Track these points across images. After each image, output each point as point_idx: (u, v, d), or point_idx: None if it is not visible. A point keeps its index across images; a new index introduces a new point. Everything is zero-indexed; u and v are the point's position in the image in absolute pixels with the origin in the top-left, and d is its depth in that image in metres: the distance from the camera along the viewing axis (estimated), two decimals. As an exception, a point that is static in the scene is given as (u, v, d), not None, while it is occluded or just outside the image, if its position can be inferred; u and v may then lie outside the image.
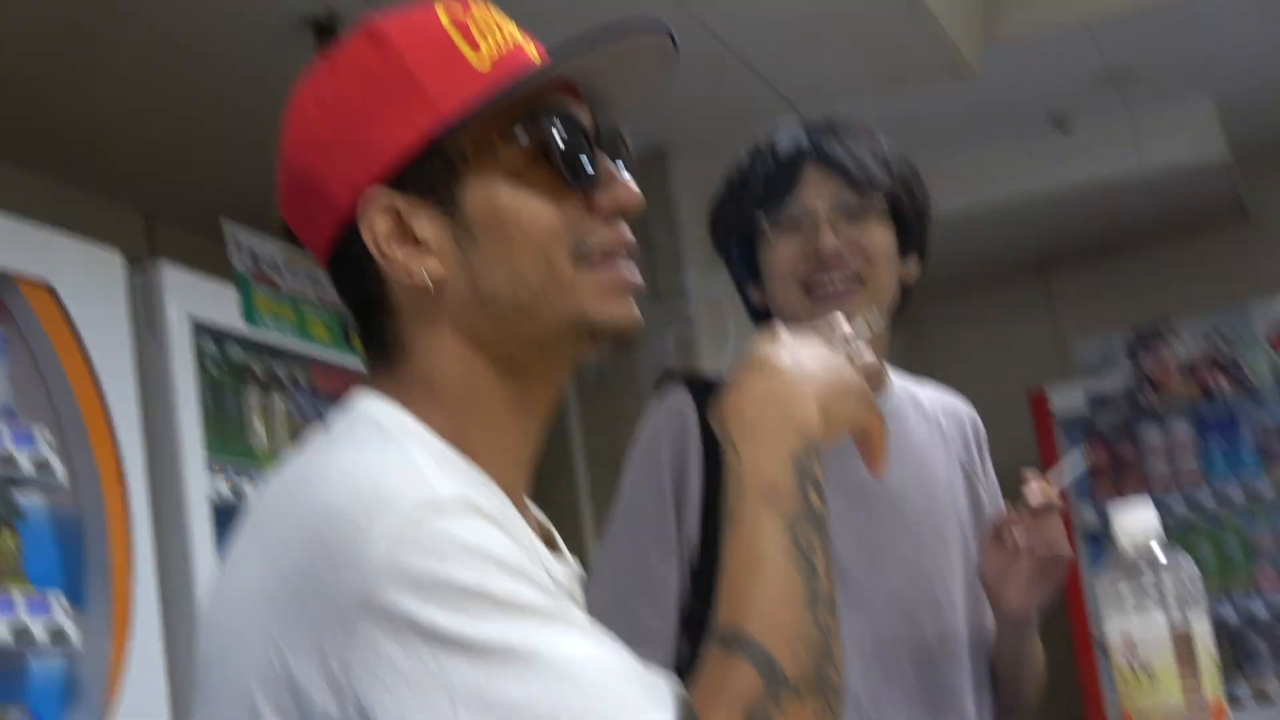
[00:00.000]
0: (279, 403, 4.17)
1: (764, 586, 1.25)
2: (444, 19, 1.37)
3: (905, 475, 2.24)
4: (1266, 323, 6.86)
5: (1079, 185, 6.52)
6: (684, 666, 1.42)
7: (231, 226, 4.03)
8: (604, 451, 5.04)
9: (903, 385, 2.36)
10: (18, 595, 3.25)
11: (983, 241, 7.07)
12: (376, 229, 1.34)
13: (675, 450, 2.19)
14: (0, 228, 3.41)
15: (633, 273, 1.39)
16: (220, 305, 3.97)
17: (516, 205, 1.34)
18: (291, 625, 1.20)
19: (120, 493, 3.50)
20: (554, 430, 4.68)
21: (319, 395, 4.28)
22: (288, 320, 4.14)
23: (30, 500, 3.45)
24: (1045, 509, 2.13)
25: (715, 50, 4.74)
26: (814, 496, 1.31)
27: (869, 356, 1.45)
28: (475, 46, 1.36)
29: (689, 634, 2.14)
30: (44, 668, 3.39)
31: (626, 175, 1.40)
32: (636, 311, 1.39)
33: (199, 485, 3.70)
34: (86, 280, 3.57)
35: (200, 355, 3.88)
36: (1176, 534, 6.65)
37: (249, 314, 4.02)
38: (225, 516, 3.65)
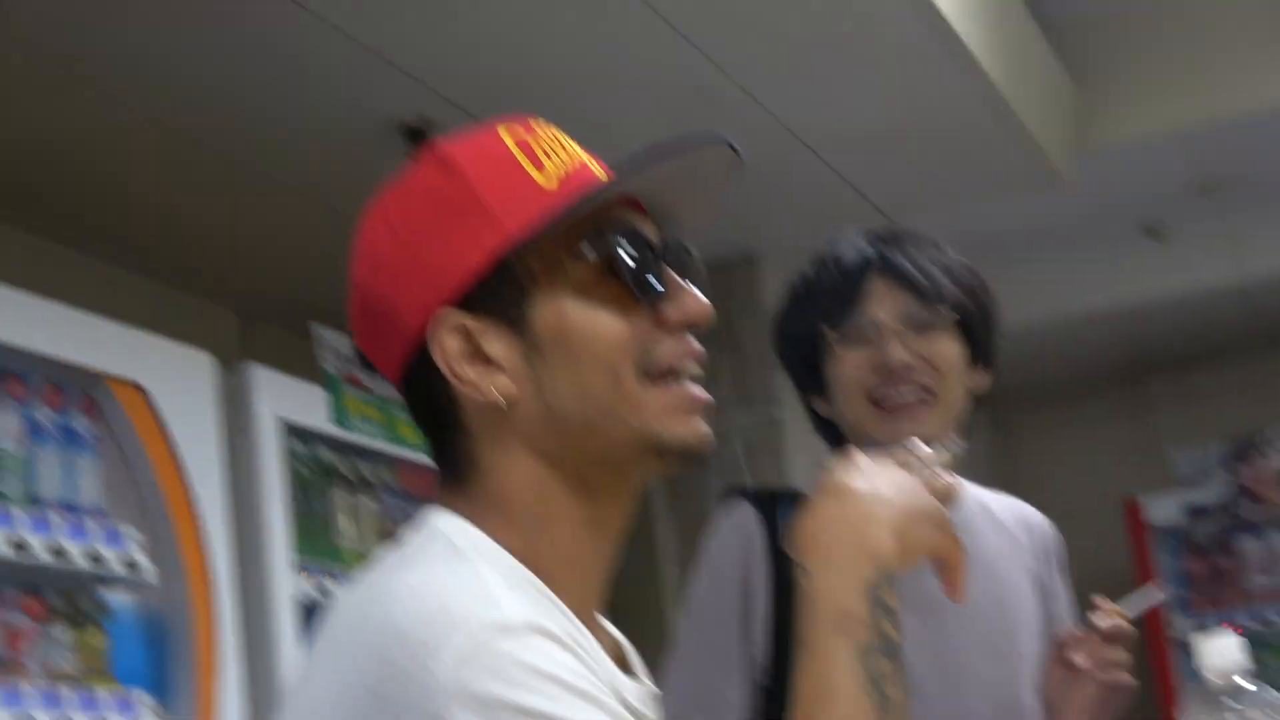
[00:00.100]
0: (366, 503, 4.20)
1: (836, 716, 1.25)
2: (508, 140, 1.38)
3: (978, 588, 2.19)
4: (1364, 434, 6.78)
5: (1174, 294, 6.47)
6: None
7: (320, 329, 4.07)
8: (693, 558, 5.01)
9: (975, 495, 2.32)
10: (104, 694, 3.27)
11: (1077, 350, 7.03)
12: (447, 350, 1.35)
13: (741, 566, 2.17)
14: (93, 329, 3.47)
15: (700, 390, 1.38)
16: (310, 406, 4.01)
17: (584, 321, 1.35)
18: (361, 743, 1.20)
19: (207, 592, 3.53)
20: (643, 537, 4.66)
21: (406, 496, 4.30)
22: (376, 422, 4.17)
23: (118, 599, 3.49)
24: (1112, 635, 2.10)
25: (805, 158, 4.76)
26: (887, 625, 1.30)
27: (947, 480, 1.44)
28: (539, 166, 1.37)
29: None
30: (129, 767, 3.41)
31: (694, 288, 1.40)
32: (706, 429, 1.38)
33: (285, 585, 3.72)
34: (177, 381, 3.61)
35: (289, 455, 3.92)
36: (1275, 647, 6.54)
37: (338, 415, 4.05)
38: (311, 616, 3.66)
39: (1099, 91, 5.44)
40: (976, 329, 2.24)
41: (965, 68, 4.39)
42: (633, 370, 1.35)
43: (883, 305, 2.20)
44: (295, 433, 3.99)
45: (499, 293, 1.34)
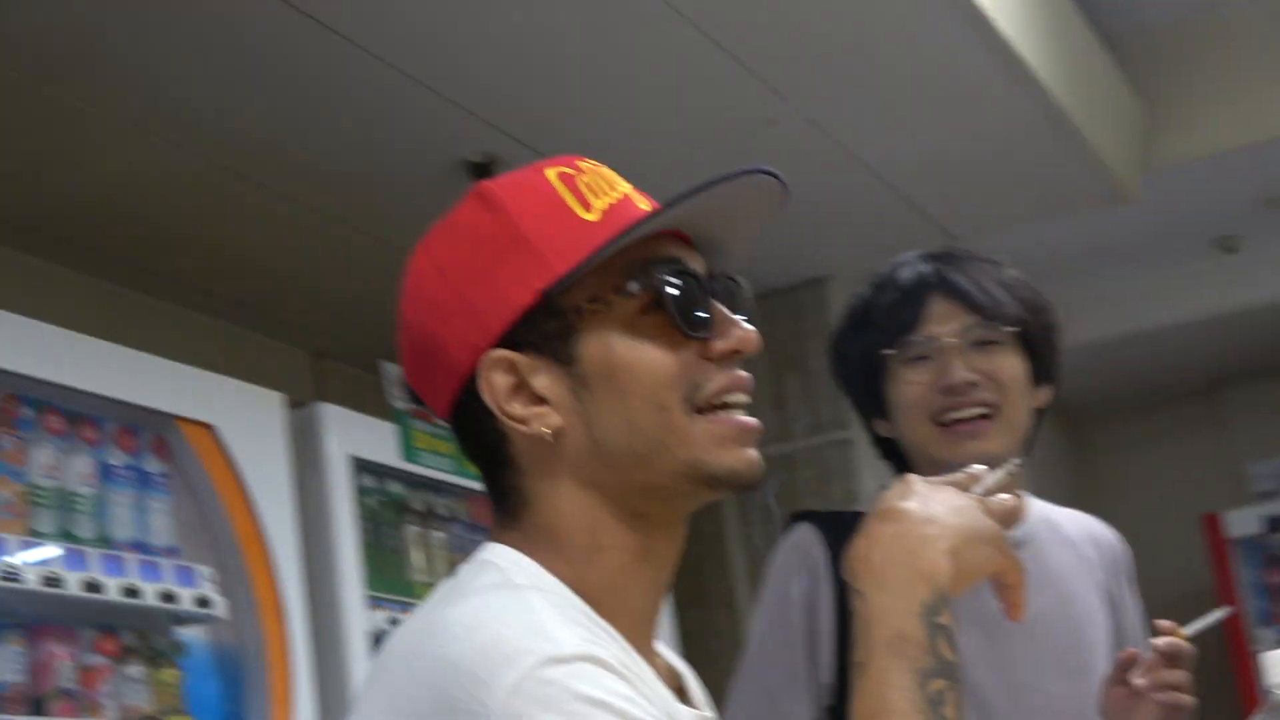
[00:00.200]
0: (438, 536, 4.21)
1: None
2: (552, 178, 1.40)
3: (1046, 605, 2.20)
4: None
5: (1246, 306, 6.43)
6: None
7: (389, 366, 4.10)
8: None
9: (1042, 513, 2.31)
10: (181, 729, 3.31)
11: (1152, 365, 7.00)
12: (495, 388, 1.36)
13: (805, 588, 2.17)
14: (163, 371, 3.51)
15: (749, 418, 1.38)
16: (379, 442, 4.04)
17: (631, 355, 1.36)
18: (415, 775, 1.21)
19: (280, 627, 3.55)
20: (715, 561, 4.65)
21: (477, 528, 4.31)
22: (445, 455, 4.20)
23: (192, 636, 3.52)
24: (1171, 655, 2.08)
25: (870, 183, 4.76)
26: (944, 647, 1.30)
27: (1008, 501, 1.44)
28: (585, 203, 1.38)
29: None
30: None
31: (742, 318, 1.40)
32: (755, 456, 1.39)
33: (358, 619, 3.74)
34: (247, 420, 3.65)
35: (360, 491, 3.94)
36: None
37: (407, 450, 4.08)
38: (384, 650, 3.67)
39: (1165, 107, 5.41)
40: (1038, 345, 2.24)
41: (1027, 87, 4.38)
42: (680, 403, 1.36)
43: (943, 324, 2.19)
44: (366, 468, 4.01)
45: (546, 329, 1.36)
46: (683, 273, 1.38)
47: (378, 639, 3.78)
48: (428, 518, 4.22)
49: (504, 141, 4.01)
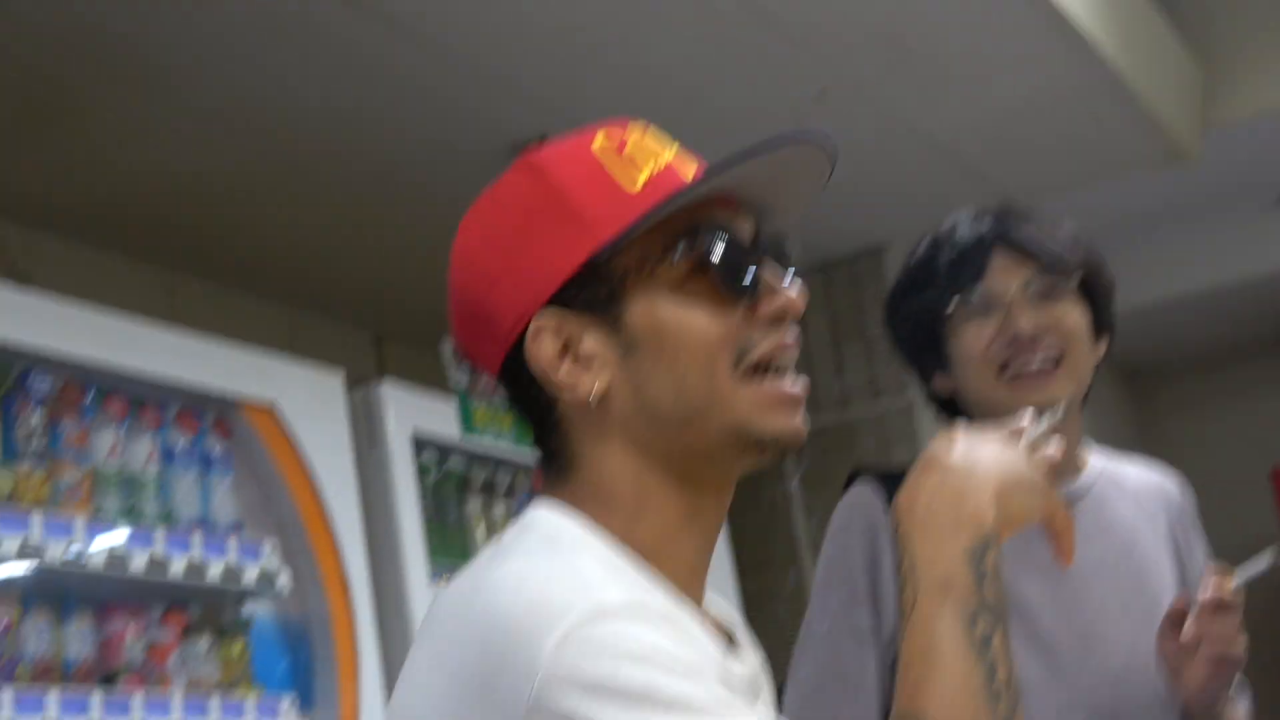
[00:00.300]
0: (499, 510, 4.24)
1: (941, 678, 1.26)
2: (599, 144, 1.41)
3: (1110, 552, 2.21)
4: None
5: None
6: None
7: (448, 345, 4.13)
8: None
9: (1104, 464, 2.32)
10: (249, 700, 3.34)
11: (1216, 322, 6.95)
12: (542, 351, 1.38)
13: (866, 543, 2.17)
14: (224, 354, 3.55)
15: (794, 385, 1.39)
16: (441, 418, 4.06)
17: (678, 318, 1.37)
18: (467, 731, 1.22)
19: (345, 601, 3.59)
20: (779, 524, 4.66)
21: (539, 501, 4.33)
22: (506, 429, 4.22)
23: (258, 609, 3.57)
24: (1219, 605, 2.07)
25: (926, 151, 4.76)
26: (990, 589, 1.31)
27: (1054, 449, 1.45)
28: (631, 168, 1.39)
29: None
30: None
31: (789, 281, 1.41)
32: (800, 422, 1.39)
33: (422, 592, 3.76)
34: (308, 400, 3.69)
35: (421, 467, 3.97)
36: None
37: (467, 425, 4.10)
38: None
39: (1221, 65, 5.37)
40: (1097, 296, 2.25)
41: (1082, 49, 4.36)
42: (728, 366, 1.37)
43: (1006, 277, 2.20)
44: (427, 445, 4.04)
45: (592, 294, 1.37)
46: (729, 236, 1.38)
47: (442, 613, 3.80)
48: (489, 492, 4.25)
49: (556, 121, 4.02)
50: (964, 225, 2.26)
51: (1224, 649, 2.07)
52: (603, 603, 1.23)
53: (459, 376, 4.13)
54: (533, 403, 1.41)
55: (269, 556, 3.45)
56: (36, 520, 3.05)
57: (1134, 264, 5.42)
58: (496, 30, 3.68)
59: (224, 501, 3.53)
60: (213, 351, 3.53)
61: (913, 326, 2.30)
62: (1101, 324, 2.26)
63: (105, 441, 3.33)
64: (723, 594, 1.46)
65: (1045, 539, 1.47)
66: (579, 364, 1.37)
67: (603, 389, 1.37)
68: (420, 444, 4.00)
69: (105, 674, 3.23)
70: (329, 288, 4.84)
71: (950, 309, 2.23)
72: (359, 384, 3.90)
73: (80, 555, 3.12)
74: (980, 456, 1.39)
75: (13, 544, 3.00)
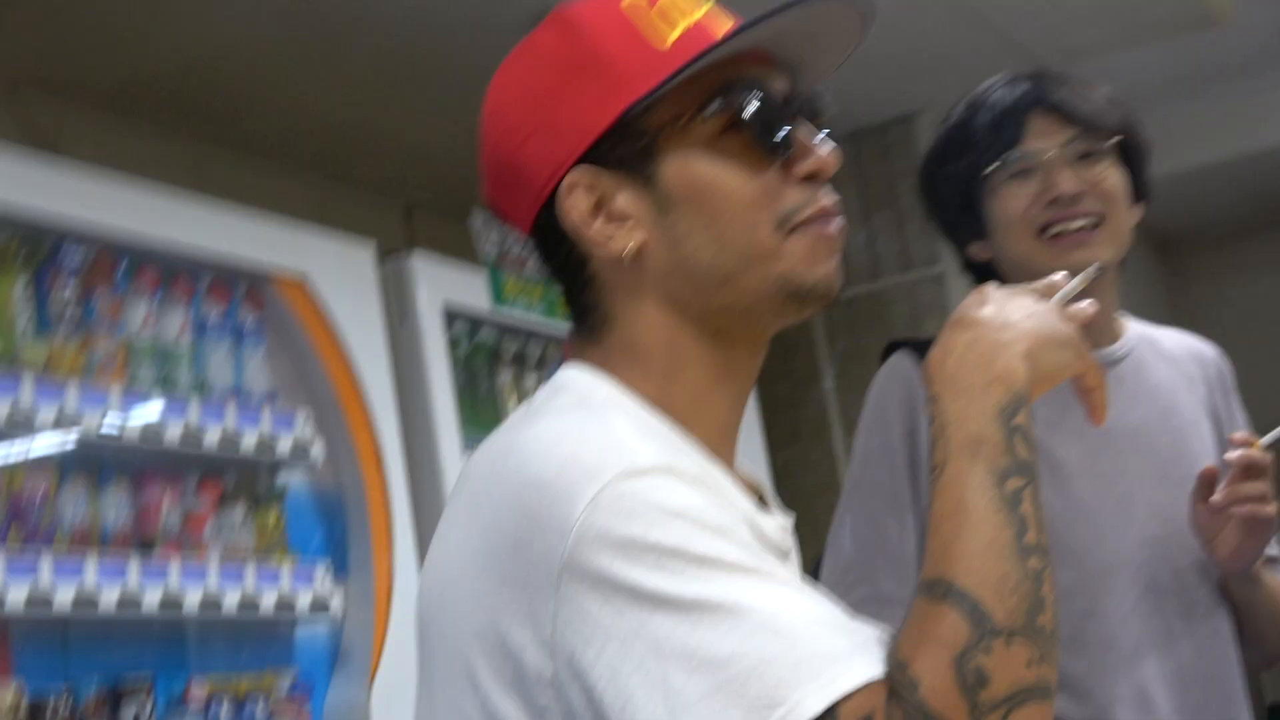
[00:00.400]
0: (531, 381, 4.25)
1: (970, 536, 1.24)
2: (629, 2, 1.39)
3: (1148, 417, 2.22)
4: None
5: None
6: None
7: (479, 214, 4.12)
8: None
9: (1141, 331, 2.32)
10: (284, 567, 3.37)
11: (1249, 190, 6.88)
12: (575, 206, 1.37)
13: (904, 412, 2.17)
14: (256, 226, 3.55)
15: (833, 225, 1.39)
16: (472, 290, 4.06)
17: (714, 175, 1.36)
18: (503, 591, 1.23)
19: (378, 471, 3.61)
20: (810, 396, 4.65)
21: (570, 372, 4.33)
22: (537, 301, 4.22)
23: (292, 478, 3.59)
24: (1249, 468, 2.08)
25: (959, 14, 4.69)
26: (1021, 447, 1.29)
27: (1087, 309, 1.44)
28: (663, 25, 1.38)
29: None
30: (310, 634, 3.52)
31: (822, 139, 1.40)
32: (836, 271, 1.39)
33: (454, 462, 3.78)
34: (339, 271, 3.68)
35: (452, 339, 3.98)
36: None
37: (498, 297, 4.10)
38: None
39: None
40: (1135, 158, 2.24)
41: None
42: (771, 222, 1.36)
43: (1045, 138, 2.20)
44: (460, 316, 4.04)
45: (626, 150, 1.36)
46: (763, 93, 1.37)
47: (474, 482, 3.82)
48: (520, 364, 4.26)
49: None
50: (1000, 89, 2.25)
51: (1255, 510, 2.08)
52: (635, 462, 1.23)
53: (489, 248, 4.12)
54: (565, 261, 1.41)
55: (302, 427, 3.47)
56: (72, 391, 3.07)
57: (1168, 129, 5.35)
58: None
59: (257, 373, 3.54)
60: (244, 224, 3.53)
61: (950, 191, 2.29)
62: (1138, 187, 2.25)
63: (138, 313, 3.34)
64: (754, 466, 1.45)
65: (1080, 402, 1.46)
66: (612, 221, 1.37)
67: (637, 246, 1.36)
68: (451, 316, 3.99)
69: (142, 541, 3.26)
70: (358, 159, 4.83)
71: (989, 171, 2.21)
72: (389, 256, 3.89)
73: (116, 425, 3.14)
74: (1011, 313, 1.37)
75: (49, 414, 3.02)
